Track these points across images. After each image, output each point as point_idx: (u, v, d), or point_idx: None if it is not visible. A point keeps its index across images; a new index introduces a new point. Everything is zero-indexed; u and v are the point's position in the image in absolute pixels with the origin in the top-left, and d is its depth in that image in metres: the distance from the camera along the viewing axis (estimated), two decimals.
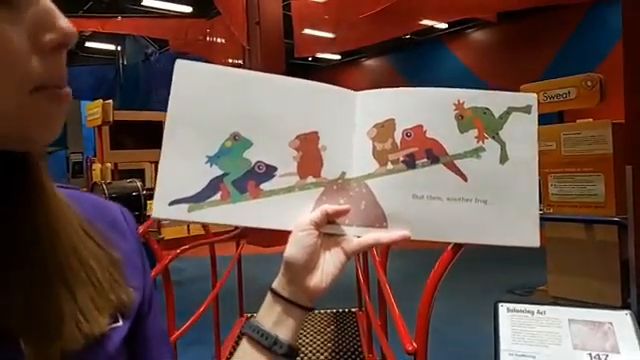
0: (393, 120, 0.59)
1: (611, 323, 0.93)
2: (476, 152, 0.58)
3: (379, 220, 0.57)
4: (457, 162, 0.58)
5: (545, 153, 4.36)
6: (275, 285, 0.55)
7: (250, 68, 8.97)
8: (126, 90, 16.01)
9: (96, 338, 0.39)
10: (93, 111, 6.56)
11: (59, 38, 0.33)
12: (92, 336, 0.39)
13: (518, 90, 4.23)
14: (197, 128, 0.56)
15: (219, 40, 11.25)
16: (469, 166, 0.58)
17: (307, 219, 0.55)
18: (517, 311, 0.99)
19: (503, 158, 0.59)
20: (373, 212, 0.57)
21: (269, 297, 0.55)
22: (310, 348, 3.26)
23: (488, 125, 0.59)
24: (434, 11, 9.99)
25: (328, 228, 0.56)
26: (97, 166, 6.85)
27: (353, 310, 4.04)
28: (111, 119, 6.36)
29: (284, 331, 0.53)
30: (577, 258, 4.30)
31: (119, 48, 16.41)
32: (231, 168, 0.56)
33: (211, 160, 0.56)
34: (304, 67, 17.26)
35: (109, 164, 6.68)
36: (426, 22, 11.07)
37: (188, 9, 11.84)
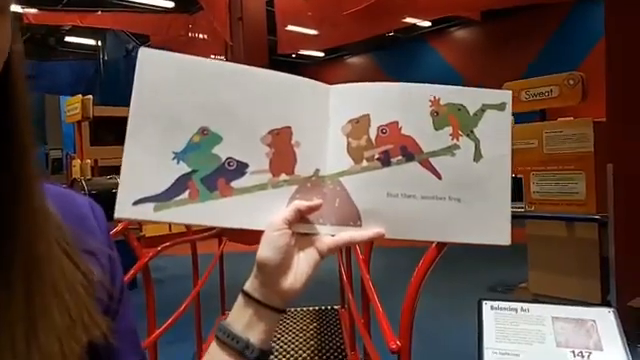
0: (368, 116, 0.57)
1: (594, 321, 0.93)
2: (450, 150, 0.58)
3: (353, 218, 0.56)
4: (432, 160, 0.58)
5: (527, 151, 4.40)
6: (247, 287, 0.53)
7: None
8: (107, 86, 15.75)
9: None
10: (73, 106, 6.43)
11: None
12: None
13: (500, 88, 4.28)
14: (163, 122, 0.52)
15: (201, 36, 11.13)
16: (443, 164, 0.58)
17: (280, 218, 0.52)
18: (501, 309, 0.98)
19: (477, 156, 0.58)
20: (347, 210, 0.56)
21: (241, 299, 0.53)
22: (292, 346, 3.24)
23: (463, 122, 0.59)
24: (418, 9, 10.03)
25: (301, 227, 0.54)
26: (77, 162, 6.72)
27: (335, 307, 4.02)
28: (91, 115, 6.24)
29: (256, 334, 0.51)
30: (558, 255, 4.35)
31: (99, 43, 16.15)
32: (200, 165, 0.53)
33: (178, 156, 0.52)
34: (287, 64, 17.20)
35: (89, 160, 6.56)
36: (409, 20, 11.12)
37: (170, 4, 11.68)
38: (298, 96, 0.57)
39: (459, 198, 0.58)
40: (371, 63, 17.76)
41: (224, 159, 0.53)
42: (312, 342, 3.33)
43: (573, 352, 0.91)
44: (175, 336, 2.80)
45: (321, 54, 17.24)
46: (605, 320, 0.94)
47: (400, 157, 0.57)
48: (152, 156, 0.52)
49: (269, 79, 0.56)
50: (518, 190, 4.83)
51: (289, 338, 3.38)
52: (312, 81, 0.59)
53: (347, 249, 3.36)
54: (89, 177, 6.16)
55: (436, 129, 0.58)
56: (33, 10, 10.82)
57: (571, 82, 4.39)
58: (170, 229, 8.32)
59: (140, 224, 6.78)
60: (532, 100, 4.66)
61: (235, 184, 0.54)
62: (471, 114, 0.59)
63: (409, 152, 0.57)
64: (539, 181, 4.41)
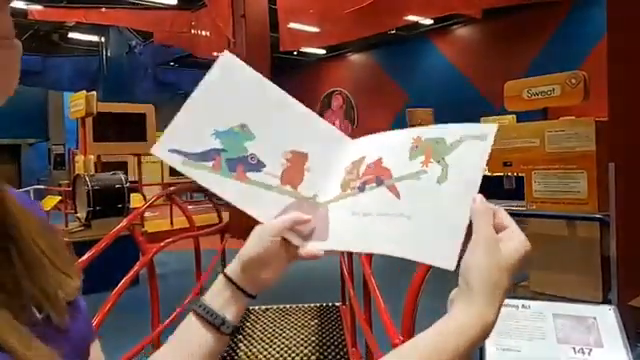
0: (364, 157, 0.67)
1: (595, 318, 0.94)
2: (417, 174, 0.60)
3: (323, 235, 0.64)
4: (397, 184, 0.61)
5: (528, 150, 4.41)
6: (229, 271, 0.61)
7: None
8: (109, 82, 15.77)
9: (75, 304, 0.48)
10: (76, 102, 6.44)
11: None
12: (77, 290, 0.48)
13: (502, 87, 4.21)
14: (220, 105, 0.66)
15: (204, 33, 11.13)
16: (407, 186, 0.61)
17: (279, 224, 0.61)
18: (503, 305, 0.99)
19: (441, 179, 0.58)
20: (322, 228, 0.64)
21: (221, 280, 0.61)
22: (294, 342, 3.26)
23: (436, 151, 0.60)
24: (419, 7, 10.02)
25: (291, 236, 0.63)
26: (80, 158, 6.74)
27: (337, 304, 4.04)
28: (95, 111, 6.25)
29: (230, 313, 0.59)
30: (559, 254, 4.36)
31: (103, 39, 16.15)
32: (230, 148, 0.65)
33: (217, 134, 0.65)
34: (289, 61, 17.18)
35: (92, 156, 6.58)
36: (411, 18, 11.10)
37: (173, 1, 11.68)
38: (322, 135, 0.70)
39: (410, 216, 0.59)
40: (372, 61, 17.72)
41: (249, 153, 0.65)
42: (313, 338, 3.35)
43: (574, 348, 0.92)
44: None
45: (322, 51, 17.21)
46: (606, 318, 0.95)
47: (373, 184, 0.63)
48: (200, 123, 0.65)
49: (306, 114, 0.69)
50: (519, 189, 4.84)
51: (291, 334, 3.40)
52: (340, 132, 0.71)
53: None
54: (92, 173, 6.18)
55: (410, 159, 0.62)
56: (38, 6, 10.83)
57: (573, 81, 4.39)
58: (172, 224, 8.35)
59: (142, 220, 6.81)
60: (534, 99, 4.66)
61: (250, 175, 0.65)
62: (448, 144, 0.60)
63: (381, 179, 0.63)
64: (540, 180, 4.42)
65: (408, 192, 0.60)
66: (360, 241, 0.62)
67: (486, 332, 0.48)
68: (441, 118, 11.59)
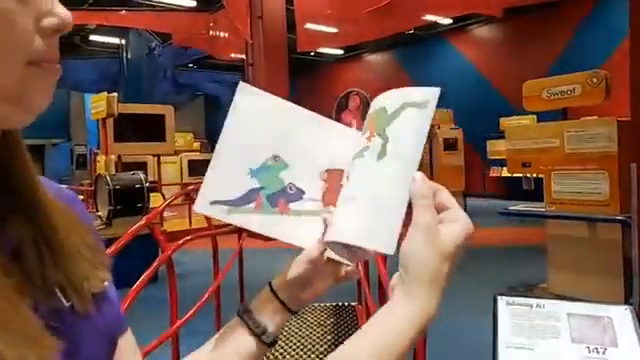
0: None
1: (610, 317, 0.93)
2: (362, 151, 0.57)
3: None
4: (349, 165, 0.59)
5: (548, 150, 4.36)
6: (274, 285, 0.63)
7: (252, 63, 9.00)
8: (129, 83, 16.02)
9: (103, 295, 0.49)
10: (98, 104, 6.57)
11: (57, 23, 0.39)
12: (104, 281, 0.49)
13: (520, 88, 4.16)
14: (247, 143, 0.64)
15: (222, 34, 11.23)
16: (355, 165, 0.58)
17: (314, 250, 0.61)
18: (516, 304, 0.99)
19: (381, 154, 0.55)
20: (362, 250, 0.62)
21: (267, 292, 0.63)
22: (310, 340, 3.28)
23: (378, 123, 0.57)
24: (438, 6, 9.96)
25: (333, 254, 0.61)
26: (101, 158, 6.88)
27: (352, 304, 4.05)
28: (115, 112, 6.37)
29: (272, 325, 0.61)
30: (578, 256, 4.30)
31: (123, 42, 16.41)
32: (267, 183, 0.63)
33: (253, 173, 0.63)
34: (306, 61, 17.23)
35: (113, 156, 6.70)
36: (430, 17, 11.04)
37: (192, 3, 11.81)
38: (352, 145, 0.64)
39: (354, 197, 0.56)
40: (391, 60, 17.66)
41: (286, 183, 0.64)
42: (329, 337, 3.37)
43: (588, 348, 0.92)
44: (195, 327, 2.86)
45: (340, 52, 17.22)
46: (622, 317, 0.95)
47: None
48: (234, 168, 0.63)
49: (332, 126, 0.67)
50: (539, 190, 4.78)
51: (306, 332, 3.42)
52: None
53: None
54: (113, 172, 6.29)
55: (362, 134, 0.59)
56: None
57: (594, 80, 4.33)
58: (190, 224, 8.45)
59: (161, 219, 6.91)
60: (553, 99, 4.60)
61: (292, 206, 0.64)
62: (389, 113, 0.56)
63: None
64: (560, 180, 4.36)
65: (354, 172, 0.58)
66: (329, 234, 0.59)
67: (428, 322, 0.48)
68: (460, 118, 11.53)
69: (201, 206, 0.61)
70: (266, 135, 0.64)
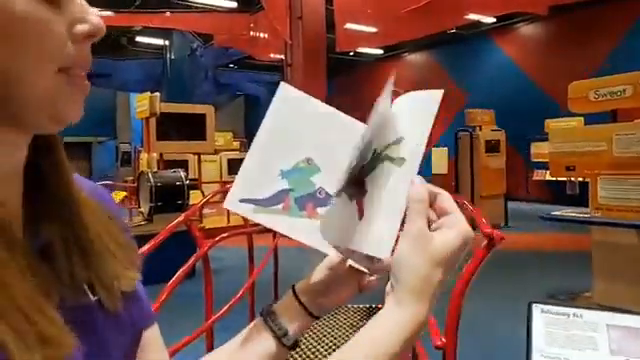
0: None
1: None
2: (365, 154, 0.56)
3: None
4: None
5: (594, 154, 4.19)
6: (297, 288, 0.63)
7: (292, 63, 9.07)
8: (172, 83, 16.45)
9: (132, 294, 0.51)
10: (141, 103, 6.79)
11: (89, 29, 0.40)
12: (130, 292, 0.50)
13: (566, 88, 4.01)
14: (281, 144, 0.64)
15: (262, 35, 11.37)
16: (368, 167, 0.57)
17: (335, 256, 0.61)
18: (552, 313, 0.96)
19: (386, 155, 0.54)
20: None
21: (290, 296, 0.63)
22: (342, 341, 3.27)
23: (382, 126, 0.56)
24: (481, 5, 9.74)
25: (353, 262, 0.60)
26: (144, 156, 7.09)
27: None
28: (158, 111, 6.56)
29: (293, 328, 0.61)
30: (626, 264, 4.11)
31: (167, 42, 16.87)
32: (297, 186, 0.63)
33: (284, 174, 0.63)
34: (345, 62, 17.21)
35: (155, 154, 6.90)
36: (472, 16, 10.80)
37: (233, 4, 12.02)
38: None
39: (351, 194, 0.54)
40: (431, 60, 17.40)
41: (317, 187, 0.63)
42: None
43: None
44: (230, 323, 2.91)
45: (380, 51, 17.10)
46: None
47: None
48: (265, 168, 0.63)
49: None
50: (583, 195, 4.60)
51: (339, 333, 3.42)
52: None
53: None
54: (155, 170, 6.48)
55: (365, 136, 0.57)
56: (109, 12, 11.50)
57: None
58: (228, 221, 8.61)
59: (201, 216, 7.06)
60: (602, 100, 4.42)
61: (320, 210, 0.62)
62: (392, 115, 0.56)
63: None
64: (607, 185, 4.18)
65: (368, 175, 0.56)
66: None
67: (419, 330, 0.47)
68: (502, 119, 11.22)
69: (230, 203, 0.62)
70: (301, 137, 0.64)
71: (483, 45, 15.52)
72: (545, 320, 0.93)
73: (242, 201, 0.62)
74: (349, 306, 4.08)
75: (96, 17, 0.41)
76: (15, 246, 0.38)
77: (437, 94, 0.55)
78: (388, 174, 0.53)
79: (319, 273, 0.62)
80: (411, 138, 0.53)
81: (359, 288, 0.63)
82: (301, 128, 0.64)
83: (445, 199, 0.50)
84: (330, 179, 0.62)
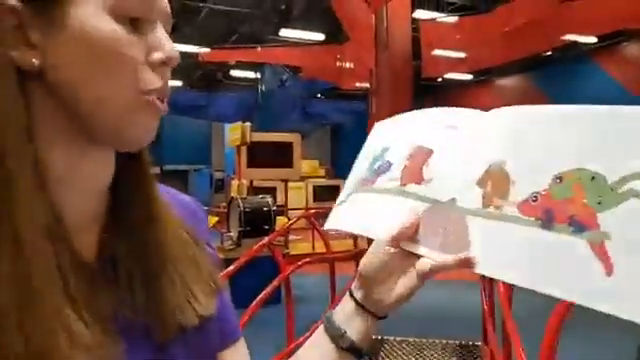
0: (505, 169, 0.52)
1: None
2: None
3: (461, 248, 0.53)
4: (608, 243, 0.43)
5: None
6: (352, 285, 0.59)
7: (377, 91, 9.10)
8: (263, 113, 17.21)
9: (207, 318, 0.49)
10: (234, 132, 7.18)
11: (165, 57, 0.43)
12: (204, 316, 0.49)
13: None
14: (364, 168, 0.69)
15: (348, 65, 11.59)
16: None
17: (388, 237, 0.56)
18: None
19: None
20: (459, 246, 0.53)
21: (347, 294, 0.60)
22: None
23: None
24: (581, 25, 9.17)
25: (408, 245, 0.55)
26: (235, 182, 7.43)
27: (477, 343, 3.78)
28: (248, 140, 6.88)
29: (352, 329, 0.57)
30: None
31: (259, 75, 17.79)
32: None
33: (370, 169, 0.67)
34: (432, 87, 16.95)
35: (245, 181, 7.20)
36: (571, 37, 10.20)
37: (321, 36, 12.42)
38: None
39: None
40: (525, 83, 16.61)
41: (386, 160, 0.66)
42: None
43: None
44: None
45: (468, 76, 16.66)
46: None
47: (568, 226, 0.46)
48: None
49: (460, 112, 0.62)
50: None
51: None
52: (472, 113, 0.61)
53: (490, 285, 3.15)
54: (244, 196, 6.76)
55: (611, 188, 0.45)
56: (206, 49, 12.43)
57: None
58: (313, 248, 8.69)
59: (286, 242, 7.20)
60: None
61: (379, 180, 0.64)
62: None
63: (582, 225, 0.45)
64: None
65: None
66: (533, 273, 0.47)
67: None
68: None
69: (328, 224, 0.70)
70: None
71: (583, 66, 14.55)
72: None
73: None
74: (438, 341, 3.89)
75: (171, 47, 0.43)
76: (68, 257, 0.39)
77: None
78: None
79: (366, 263, 0.56)
80: None
81: (421, 277, 0.54)
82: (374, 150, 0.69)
83: None
84: (396, 150, 0.64)
